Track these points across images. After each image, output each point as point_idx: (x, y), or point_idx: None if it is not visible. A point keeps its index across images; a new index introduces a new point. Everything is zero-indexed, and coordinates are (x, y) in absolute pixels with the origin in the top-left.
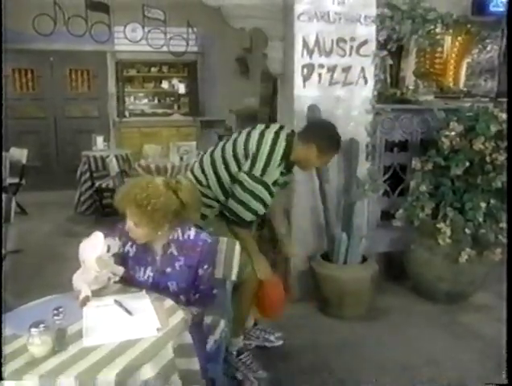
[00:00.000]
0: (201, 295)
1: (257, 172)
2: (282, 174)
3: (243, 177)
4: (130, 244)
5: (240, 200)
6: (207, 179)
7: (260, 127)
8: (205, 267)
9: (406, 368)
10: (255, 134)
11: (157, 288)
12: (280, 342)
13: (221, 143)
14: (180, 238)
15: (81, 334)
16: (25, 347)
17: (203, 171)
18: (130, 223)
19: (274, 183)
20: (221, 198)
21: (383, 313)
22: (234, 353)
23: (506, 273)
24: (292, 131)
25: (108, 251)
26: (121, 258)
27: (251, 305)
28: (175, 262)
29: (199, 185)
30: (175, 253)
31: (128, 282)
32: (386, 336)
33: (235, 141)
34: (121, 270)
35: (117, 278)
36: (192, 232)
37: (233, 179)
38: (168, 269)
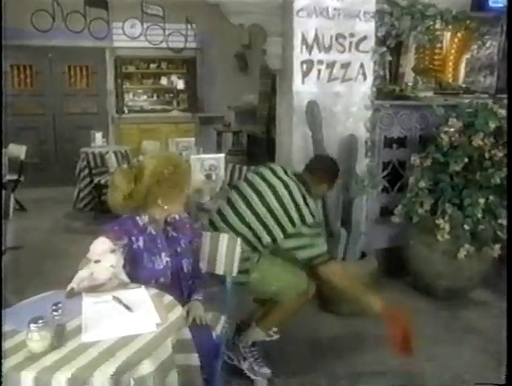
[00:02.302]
0: (194, 276)
1: (308, 218)
2: None
3: (301, 229)
4: (135, 239)
5: (305, 245)
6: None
7: (272, 180)
8: (196, 240)
9: (405, 364)
10: (281, 190)
11: (175, 271)
12: (277, 336)
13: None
14: (172, 220)
15: (80, 329)
16: (24, 343)
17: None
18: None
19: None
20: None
21: None
22: (250, 343)
23: (507, 270)
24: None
25: (108, 261)
26: (134, 256)
27: (292, 313)
28: (179, 241)
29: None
30: (175, 234)
31: (142, 280)
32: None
33: (254, 187)
34: (126, 279)
35: (116, 282)
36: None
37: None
38: (178, 249)
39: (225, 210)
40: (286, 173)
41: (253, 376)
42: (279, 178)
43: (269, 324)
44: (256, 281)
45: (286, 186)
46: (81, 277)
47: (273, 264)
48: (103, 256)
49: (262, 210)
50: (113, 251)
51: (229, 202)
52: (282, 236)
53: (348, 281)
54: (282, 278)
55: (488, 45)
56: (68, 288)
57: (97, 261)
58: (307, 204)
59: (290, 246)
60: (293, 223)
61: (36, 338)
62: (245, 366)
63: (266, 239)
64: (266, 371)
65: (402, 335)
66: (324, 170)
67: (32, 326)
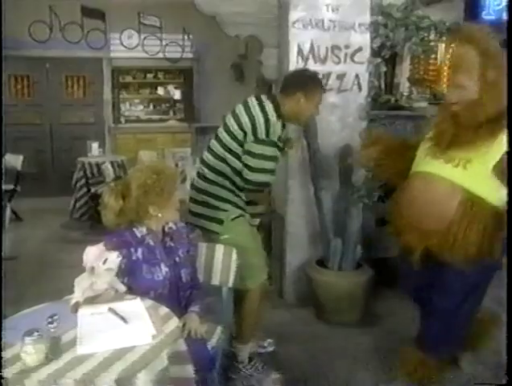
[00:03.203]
0: (192, 285)
1: (261, 136)
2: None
3: (250, 146)
4: (134, 250)
5: (255, 168)
6: (215, 175)
7: (239, 105)
8: (192, 249)
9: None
10: (240, 110)
11: (174, 281)
12: (272, 348)
13: (212, 140)
14: (169, 230)
15: (75, 342)
16: (18, 356)
17: (208, 167)
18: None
19: (279, 139)
20: (230, 195)
21: (378, 318)
22: (246, 360)
23: (507, 270)
24: (270, 93)
25: (104, 263)
26: (133, 268)
27: (258, 313)
28: (177, 251)
29: (208, 183)
30: (173, 245)
31: (142, 291)
32: (382, 342)
33: (225, 126)
34: (122, 288)
35: (113, 292)
36: (171, 224)
37: (239, 157)
38: (177, 259)
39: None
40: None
41: None
42: (248, 100)
43: (244, 333)
44: (225, 243)
45: (246, 104)
46: (83, 288)
47: (249, 234)
48: (98, 260)
49: (233, 127)
50: (106, 253)
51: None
52: (240, 151)
53: None
54: (252, 255)
55: None
56: (73, 302)
57: (93, 268)
58: (266, 121)
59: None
60: (245, 134)
61: (31, 351)
62: (254, 382)
63: (233, 161)
64: (276, 375)
65: None
66: (295, 81)
67: (27, 339)
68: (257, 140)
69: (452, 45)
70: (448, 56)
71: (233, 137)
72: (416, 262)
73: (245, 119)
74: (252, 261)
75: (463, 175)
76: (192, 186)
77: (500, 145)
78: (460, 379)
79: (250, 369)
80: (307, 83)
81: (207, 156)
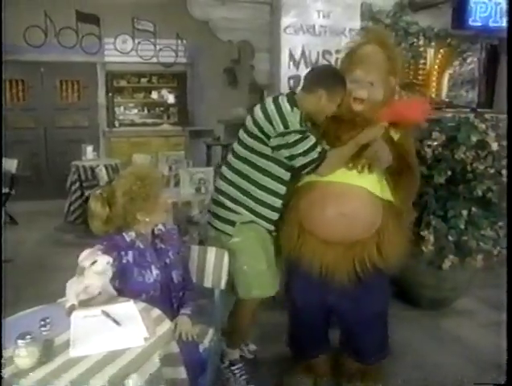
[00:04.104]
0: (184, 286)
1: (280, 129)
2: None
3: (277, 141)
4: (125, 253)
5: (295, 156)
6: (232, 174)
7: (257, 105)
8: (182, 250)
9: (390, 374)
10: (258, 111)
11: (165, 283)
12: (251, 356)
13: (234, 142)
14: (158, 232)
15: (68, 344)
16: (11, 359)
17: (228, 166)
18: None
19: (301, 124)
20: (245, 198)
21: None
22: (227, 363)
23: (507, 270)
24: (291, 92)
25: (92, 264)
26: (124, 271)
27: (250, 320)
28: (167, 253)
29: (227, 184)
30: (163, 246)
31: (133, 294)
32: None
33: (245, 128)
34: (113, 293)
35: (106, 295)
36: (160, 225)
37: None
38: (167, 260)
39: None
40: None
41: None
42: (265, 100)
43: (233, 339)
44: (234, 246)
45: (262, 103)
46: (77, 292)
47: (261, 240)
48: (87, 261)
49: (252, 127)
50: (97, 256)
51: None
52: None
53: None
54: (259, 262)
55: (469, 61)
56: (68, 305)
57: (83, 269)
58: (280, 114)
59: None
60: (263, 132)
61: (24, 354)
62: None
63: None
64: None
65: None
66: (317, 78)
67: (20, 341)
68: (278, 134)
69: (441, 50)
70: (361, 54)
71: (254, 137)
72: (342, 280)
73: (260, 117)
74: (260, 268)
75: (368, 179)
76: (215, 188)
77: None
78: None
79: (228, 373)
80: (329, 78)
81: (230, 158)
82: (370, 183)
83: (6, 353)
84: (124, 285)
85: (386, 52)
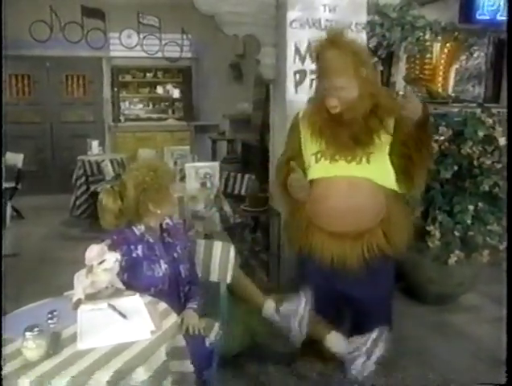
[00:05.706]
0: (191, 281)
1: None
2: None
3: None
4: (134, 247)
5: None
6: None
7: None
8: (188, 244)
9: (396, 369)
10: None
11: (173, 277)
12: None
13: None
14: (167, 226)
15: (75, 337)
16: (19, 351)
17: None
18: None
19: None
20: None
21: None
22: None
23: (506, 275)
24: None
25: (100, 263)
26: (133, 264)
27: None
28: (175, 247)
29: None
30: (171, 240)
31: (142, 288)
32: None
33: None
34: (121, 287)
35: (113, 289)
36: (167, 219)
37: None
38: (175, 254)
39: None
40: None
41: None
42: None
43: None
44: None
45: None
46: (84, 286)
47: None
48: (96, 260)
49: None
50: (105, 254)
51: None
52: None
53: None
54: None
55: (476, 56)
56: (75, 299)
57: (92, 267)
58: None
59: None
60: None
61: (32, 347)
62: None
63: None
64: None
65: None
66: None
67: (27, 334)
68: None
69: (447, 45)
70: (322, 64)
71: None
72: (352, 269)
73: None
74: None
75: (369, 169)
76: None
77: (389, 128)
78: None
79: None
80: None
81: None
82: (373, 173)
83: (14, 345)
84: (133, 278)
85: (344, 51)
